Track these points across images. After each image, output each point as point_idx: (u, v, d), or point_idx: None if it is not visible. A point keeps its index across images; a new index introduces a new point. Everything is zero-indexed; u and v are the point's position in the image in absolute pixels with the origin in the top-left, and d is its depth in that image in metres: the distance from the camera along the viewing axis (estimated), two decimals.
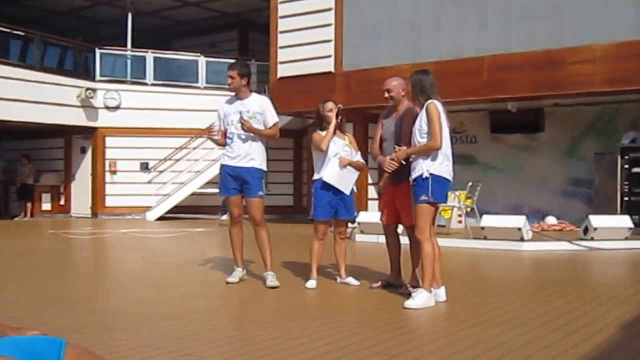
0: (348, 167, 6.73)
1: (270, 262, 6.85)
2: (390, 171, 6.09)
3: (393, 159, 6.01)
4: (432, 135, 5.71)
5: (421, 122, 5.80)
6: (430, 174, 5.69)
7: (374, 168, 14.09)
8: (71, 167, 19.87)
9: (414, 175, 5.80)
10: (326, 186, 6.71)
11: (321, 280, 6.90)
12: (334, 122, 6.70)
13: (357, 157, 6.85)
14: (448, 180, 5.85)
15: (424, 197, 5.71)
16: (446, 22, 13.74)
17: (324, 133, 6.77)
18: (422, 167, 5.73)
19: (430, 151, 5.74)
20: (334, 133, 6.73)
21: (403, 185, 6.14)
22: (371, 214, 12.07)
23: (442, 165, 5.77)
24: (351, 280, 6.84)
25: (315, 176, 6.81)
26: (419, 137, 5.81)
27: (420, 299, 5.58)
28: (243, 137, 6.76)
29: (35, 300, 6.12)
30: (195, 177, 18.50)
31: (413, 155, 5.86)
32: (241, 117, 6.66)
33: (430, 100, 5.78)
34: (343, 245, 7.00)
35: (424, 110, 5.79)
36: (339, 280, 6.91)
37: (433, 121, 5.71)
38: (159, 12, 22.54)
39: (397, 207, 6.36)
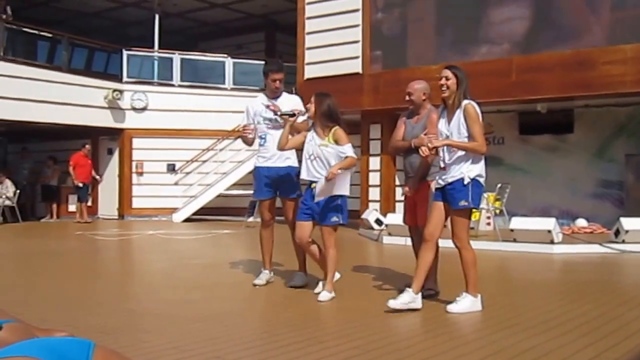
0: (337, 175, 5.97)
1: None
2: (432, 146, 5.47)
3: (428, 144, 5.50)
4: (477, 139, 5.42)
5: (459, 124, 5.48)
6: (472, 179, 5.44)
7: (401, 170, 13.99)
8: (98, 168, 19.95)
9: (450, 179, 5.49)
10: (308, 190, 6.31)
11: (350, 283, 6.85)
12: (289, 122, 6.31)
13: (350, 152, 6.08)
14: (483, 185, 5.67)
15: (464, 203, 5.43)
16: (473, 22, 13.63)
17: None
18: (463, 172, 5.45)
19: (473, 153, 5.46)
20: (290, 134, 6.36)
21: (423, 185, 6.11)
22: (398, 216, 11.98)
23: (482, 170, 5.53)
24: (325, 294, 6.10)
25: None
26: (457, 138, 5.50)
27: (464, 304, 5.48)
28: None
29: (63, 301, 6.15)
30: (222, 179, 18.49)
31: (453, 153, 5.49)
32: (295, 114, 6.38)
33: (467, 101, 5.50)
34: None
35: (461, 112, 5.48)
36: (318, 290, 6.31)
37: (475, 122, 5.44)
38: (185, 14, 22.65)
39: (415, 205, 6.29)
